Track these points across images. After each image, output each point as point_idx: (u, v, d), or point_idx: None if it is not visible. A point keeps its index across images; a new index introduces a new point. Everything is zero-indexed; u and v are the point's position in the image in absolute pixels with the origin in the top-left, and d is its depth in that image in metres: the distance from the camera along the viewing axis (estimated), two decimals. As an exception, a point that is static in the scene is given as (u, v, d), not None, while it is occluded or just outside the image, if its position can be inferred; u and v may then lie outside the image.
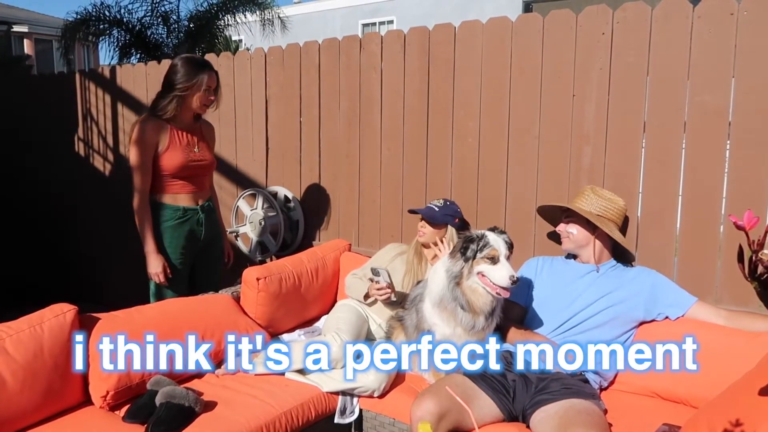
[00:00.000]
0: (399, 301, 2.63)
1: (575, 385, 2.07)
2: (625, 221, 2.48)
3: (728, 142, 2.30)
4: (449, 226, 2.66)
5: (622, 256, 2.44)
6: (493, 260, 2.14)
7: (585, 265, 2.40)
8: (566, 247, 2.43)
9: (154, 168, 2.70)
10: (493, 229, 2.25)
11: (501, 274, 2.12)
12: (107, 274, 4.81)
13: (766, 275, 1.10)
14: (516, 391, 2.11)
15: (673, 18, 2.34)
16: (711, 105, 2.30)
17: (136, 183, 2.69)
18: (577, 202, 2.40)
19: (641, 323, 2.31)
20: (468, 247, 2.17)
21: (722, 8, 2.25)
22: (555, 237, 2.62)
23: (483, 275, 2.15)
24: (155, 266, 2.71)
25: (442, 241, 2.65)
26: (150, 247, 2.70)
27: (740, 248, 1.04)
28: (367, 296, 2.66)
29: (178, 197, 2.76)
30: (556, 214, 2.53)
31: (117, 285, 4.68)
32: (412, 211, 2.75)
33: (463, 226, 2.76)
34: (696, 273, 2.39)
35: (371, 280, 2.61)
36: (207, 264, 2.96)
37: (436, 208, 2.65)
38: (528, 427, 2.02)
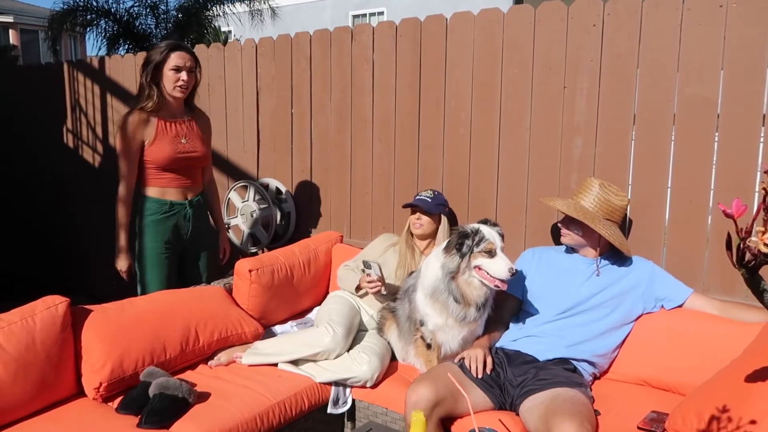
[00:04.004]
0: (390, 295, 2.65)
1: (562, 375, 2.10)
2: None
3: (717, 133, 2.32)
4: (442, 216, 2.68)
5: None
6: (490, 254, 2.15)
7: (584, 259, 2.39)
8: (566, 242, 2.41)
9: (142, 161, 2.66)
10: (485, 222, 2.26)
11: (500, 267, 2.13)
12: (99, 267, 4.78)
13: (753, 262, 1.12)
14: (505, 386, 2.14)
15: (663, 10, 2.36)
16: (700, 96, 2.33)
17: (121, 171, 2.66)
18: (582, 198, 2.35)
19: (639, 316, 2.31)
20: (463, 242, 2.17)
21: (711, 0, 2.27)
22: (555, 228, 2.65)
23: (480, 269, 2.17)
24: (122, 263, 2.73)
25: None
26: (122, 241, 2.69)
27: (728, 236, 1.06)
28: (358, 288, 2.67)
29: (166, 191, 2.71)
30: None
31: (109, 277, 4.65)
32: (407, 206, 2.73)
33: (450, 214, 2.77)
34: (684, 263, 2.42)
35: (363, 271, 2.62)
36: (196, 258, 2.90)
37: (429, 199, 2.66)
38: (518, 414, 2.05)
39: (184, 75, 2.62)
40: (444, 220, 2.68)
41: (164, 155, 2.64)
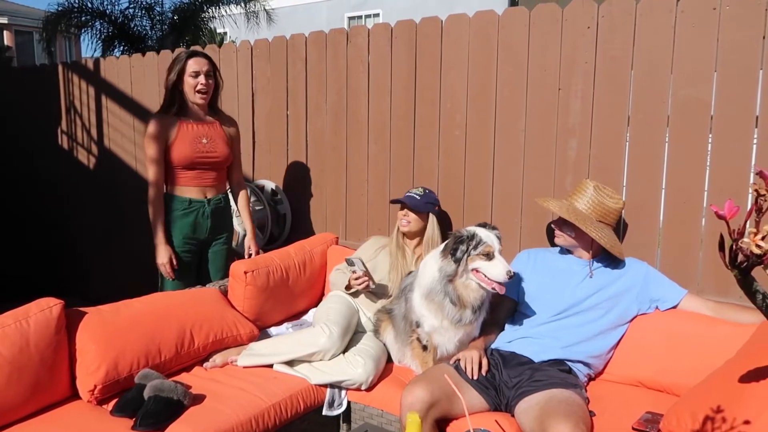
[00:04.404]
0: (381, 293, 2.65)
1: (557, 376, 2.10)
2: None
3: (710, 135, 2.34)
4: (431, 215, 2.67)
5: None
6: (488, 256, 2.15)
7: (579, 260, 2.39)
8: (559, 243, 2.42)
9: (165, 161, 2.80)
10: (484, 225, 2.26)
11: (498, 270, 2.13)
12: (94, 269, 4.76)
13: (745, 263, 1.13)
14: (500, 388, 2.14)
15: (657, 12, 2.37)
16: (694, 99, 2.34)
17: (148, 176, 2.81)
18: (576, 200, 2.36)
19: (634, 317, 2.32)
20: (458, 247, 2.18)
21: (705, 3, 2.28)
22: (549, 229, 2.65)
23: (478, 271, 2.17)
24: (161, 257, 2.79)
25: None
26: (158, 238, 2.79)
27: (721, 237, 1.06)
28: (348, 287, 2.68)
29: (186, 189, 2.83)
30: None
31: (104, 280, 4.65)
32: (394, 201, 2.76)
33: (440, 214, 2.76)
34: (679, 264, 2.43)
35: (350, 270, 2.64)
36: (215, 258, 3.00)
37: (418, 197, 2.66)
38: (513, 416, 2.05)
39: (202, 79, 2.76)
40: (432, 219, 2.67)
41: (183, 155, 2.77)
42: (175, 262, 2.81)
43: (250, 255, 3.06)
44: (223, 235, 3.00)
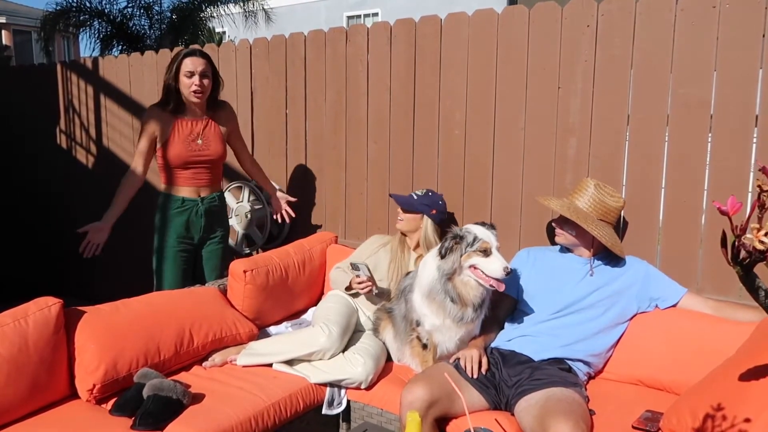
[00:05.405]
0: (381, 296, 2.65)
1: (556, 375, 2.10)
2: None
3: (710, 134, 2.33)
4: (425, 216, 2.66)
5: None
6: (486, 253, 2.15)
7: (579, 258, 2.39)
8: (560, 242, 2.42)
9: (162, 160, 2.82)
10: (482, 224, 2.26)
11: (495, 266, 2.13)
12: (94, 269, 4.75)
13: (748, 260, 1.13)
14: (500, 386, 2.14)
15: (657, 11, 2.37)
16: (693, 97, 2.34)
17: (132, 163, 2.84)
18: (577, 198, 2.35)
19: (634, 316, 2.32)
20: (452, 248, 2.18)
21: (705, 1, 2.28)
22: (550, 228, 2.65)
23: (475, 268, 2.17)
24: (94, 227, 2.69)
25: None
26: (108, 215, 2.75)
27: (723, 233, 1.06)
28: (349, 288, 2.67)
29: (181, 188, 2.85)
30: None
31: (103, 280, 4.64)
32: (392, 196, 2.76)
33: (443, 218, 2.76)
34: (678, 263, 2.42)
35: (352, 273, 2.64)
36: (209, 257, 3.00)
37: (415, 197, 2.68)
38: (513, 414, 2.04)
39: (196, 80, 2.73)
40: (426, 219, 2.67)
41: (177, 156, 2.79)
42: (99, 247, 2.69)
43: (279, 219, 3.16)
44: (218, 234, 2.99)
